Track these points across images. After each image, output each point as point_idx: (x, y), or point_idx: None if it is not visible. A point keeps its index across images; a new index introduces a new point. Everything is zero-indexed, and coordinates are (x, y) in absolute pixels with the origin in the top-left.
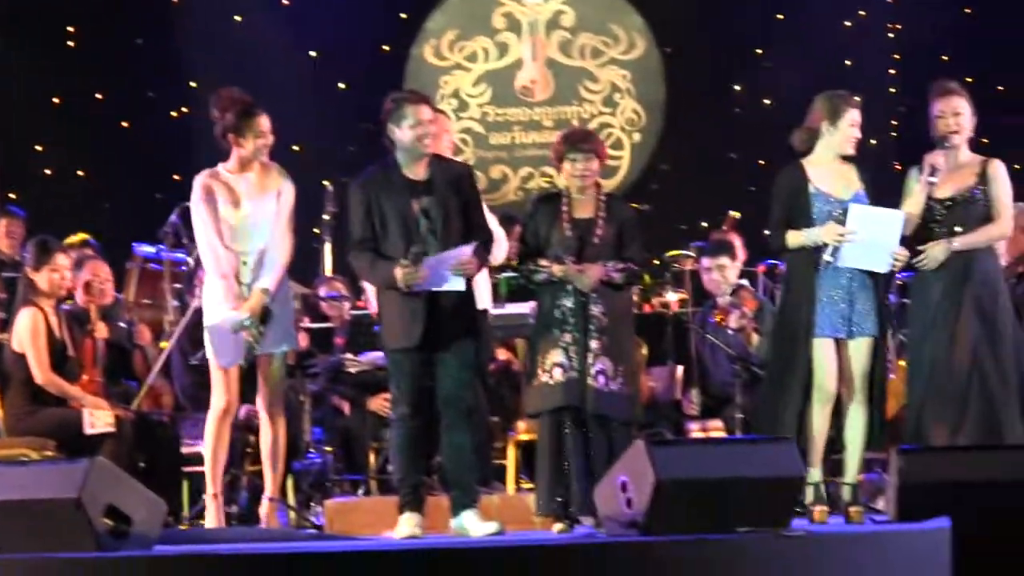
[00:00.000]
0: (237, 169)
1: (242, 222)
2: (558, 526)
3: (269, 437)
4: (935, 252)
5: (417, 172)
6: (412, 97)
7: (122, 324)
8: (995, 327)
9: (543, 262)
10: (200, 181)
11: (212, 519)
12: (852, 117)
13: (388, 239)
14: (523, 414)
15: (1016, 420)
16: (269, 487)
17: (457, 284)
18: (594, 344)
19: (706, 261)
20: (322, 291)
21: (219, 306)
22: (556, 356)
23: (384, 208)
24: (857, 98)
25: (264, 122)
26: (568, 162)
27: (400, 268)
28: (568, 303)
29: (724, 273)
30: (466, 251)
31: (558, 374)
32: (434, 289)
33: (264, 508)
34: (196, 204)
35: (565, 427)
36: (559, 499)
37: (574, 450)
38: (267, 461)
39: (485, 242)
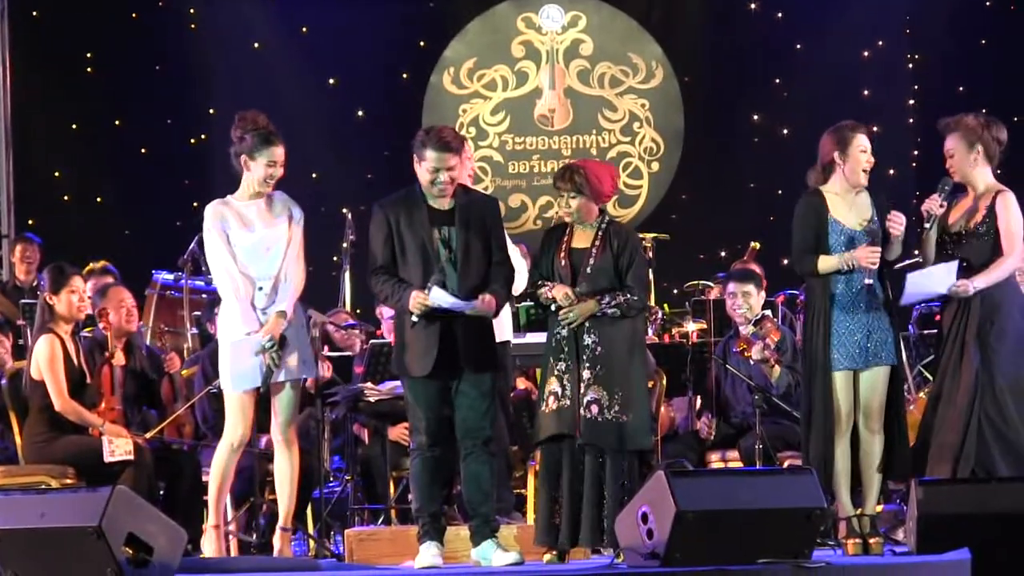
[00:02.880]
0: (247, 196)
1: (255, 248)
2: (547, 556)
3: (283, 466)
4: (958, 293)
5: (441, 202)
6: (430, 141)
7: (146, 351)
8: (995, 358)
9: (547, 285)
10: (211, 209)
11: (211, 549)
12: (861, 143)
13: (407, 266)
14: None
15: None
16: (282, 517)
17: (464, 307)
18: (586, 374)
19: (732, 287)
20: (334, 320)
21: (236, 330)
22: (552, 385)
23: (404, 234)
24: (864, 125)
25: (279, 152)
26: (557, 199)
27: (415, 292)
28: (563, 332)
29: (749, 301)
30: (473, 305)
31: (552, 403)
32: (447, 310)
33: (277, 538)
34: (208, 231)
35: (559, 456)
36: (552, 529)
37: (570, 479)
38: (281, 490)
39: (506, 277)
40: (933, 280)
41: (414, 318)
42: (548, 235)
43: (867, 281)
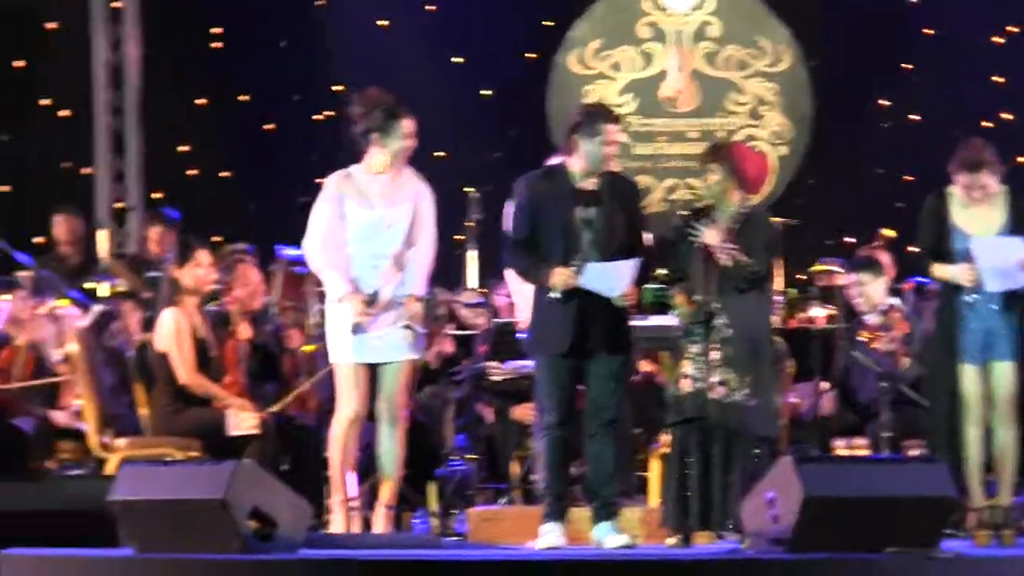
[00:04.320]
0: (372, 171)
1: (374, 225)
2: (670, 540)
3: (387, 444)
4: None
5: (586, 183)
6: (608, 115)
7: (272, 327)
8: None
9: (697, 225)
10: (332, 180)
11: (339, 525)
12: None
13: (547, 244)
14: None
15: None
16: (385, 495)
17: (611, 291)
18: (716, 355)
19: (851, 276)
20: (463, 299)
21: (338, 305)
22: (686, 367)
23: (547, 212)
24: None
25: (409, 124)
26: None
27: (558, 271)
28: (696, 315)
29: (864, 290)
30: (629, 264)
31: (686, 385)
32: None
33: (380, 516)
34: (321, 200)
35: (690, 439)
36: (681, 513)
37: (700, 462)
38: (385, 468)
39: (644, 262)
40: (1004, 249)
41: (555, 295)
42: (689, 218)
43: (966, 299)
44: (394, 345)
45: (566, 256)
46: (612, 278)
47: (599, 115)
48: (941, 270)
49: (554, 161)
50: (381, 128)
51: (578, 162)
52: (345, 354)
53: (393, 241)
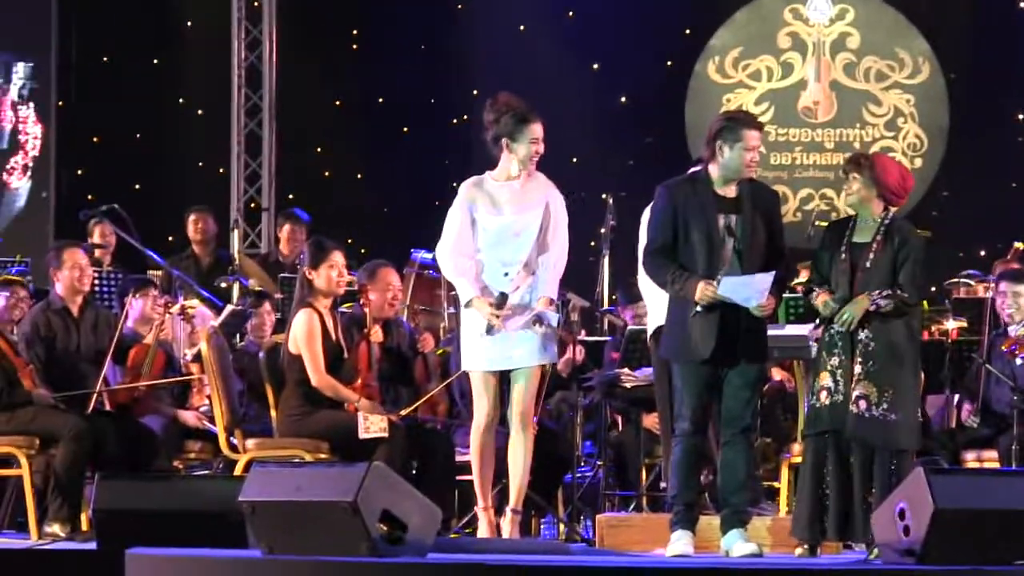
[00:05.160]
0: (503, 177)
1: (502, 232)
2: (798, 550)
3: (516, 449)
4: None
5: (727, 190)
6: (751, 122)
7: (408, 330)
8: None
9: (815, 291)
10: (464, 188)
11: (484, 531)
12: None
13: (689, 251)
14: (796, 436)
15: None
16: (512, 499)
17: (748, 302)
18: (858, 369)
19: (1004, 286)
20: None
21: (469, 312)
22: (824, 380)
23: (689, 219)
24: None
25: (538, 129)
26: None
27: (702, 287)
28: (837, 327)
29: (1020, 301)
30: (766, 277)
31: (824, 397)
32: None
33: (507, 520)
34: (454, 208)
35: (825, 450)
36: (815, 523)
37: (838, 474)
38: (513, 473)
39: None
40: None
41: (698, 308)
42: (831, 229)
43: None
44: (524, 351)
45: (709, 264)
46: (749, 290)
47: (742, 121)
48: None
49: (695, 170)
50: (510, 134)
51: (719, 169)
52: (476, 361)
53: (523, 247)
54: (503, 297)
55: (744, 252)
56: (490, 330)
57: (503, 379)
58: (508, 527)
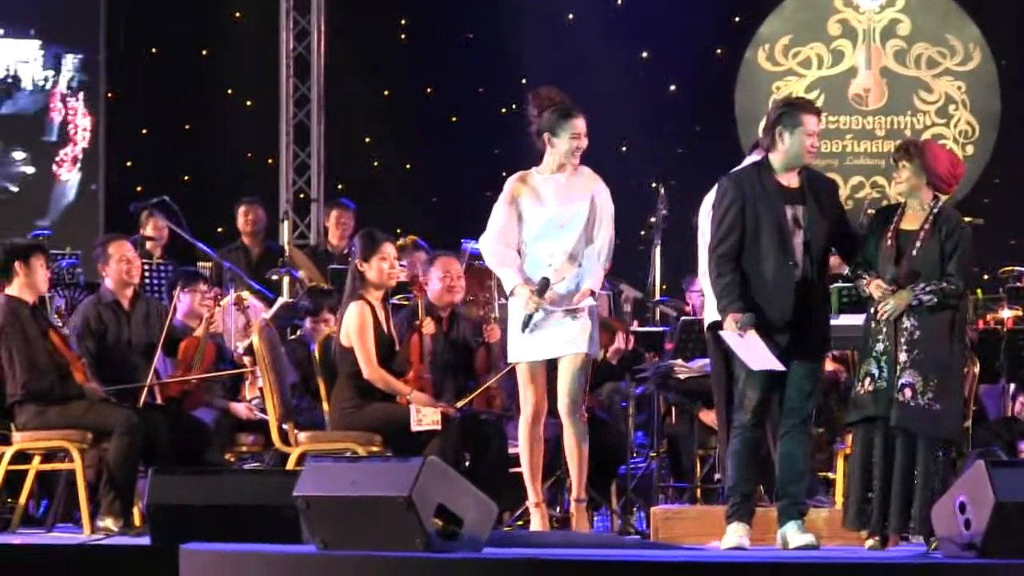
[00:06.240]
0: (548, 170)
1: (547, 224)
2: (869, 542)
3: (569, 440)
4: None
5: (790, 179)
6: (810, 106)
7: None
8: None
9: (864, 277)
10: (510, 182)
11: (536, 526)
12: None
13: (760, 245)
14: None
15: None
16: (575, 489)
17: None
18: (903, 357)
19: None
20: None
21: (514, 303)
22: (869, 366)
23: (759, 211)
24: None
25: (580, 124)
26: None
27: (736, 316)
28: (880, 316)
29: None
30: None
31: (868, 384)
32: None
33: (572, 509)
34: (499, 203)
35: (872, 439)
36: (864, 512)
37: (883, 463)
38: (570, 463)
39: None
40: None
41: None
42: (879, 214)
43: None
44: (566, 339)
45: (781, 254)
46: (759, 355)
47: (801, 107)
48: None
49: (753, 158)
50: (551, 128)
51: (780, 156)
52: (521, 352)
53: (568, 240)
54: (545, 282)
55: (811, 243)
56: (528, 323)
57: (551, 371)
58: (575, 516)
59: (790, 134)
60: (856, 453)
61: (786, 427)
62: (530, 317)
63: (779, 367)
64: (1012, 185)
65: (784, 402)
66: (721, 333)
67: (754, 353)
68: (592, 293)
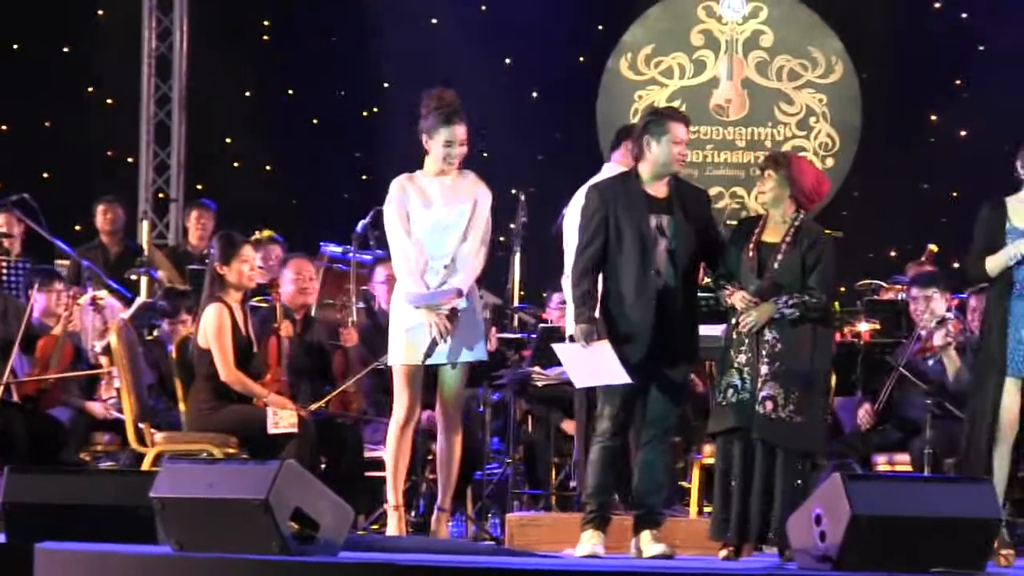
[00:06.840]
0: (432, 173)
1: (432, 226)
2: (723, 553)
3: (444, 447)
4: None
5: (657, 189)
6: (675, 115)
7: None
8: None
9: (727, 288)
10: (395, 183)
11: (393, 530)
12: None
13: (622, 253)
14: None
15: None
16: (440, 497)
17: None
18: (764, 369)
19: (915, 291)
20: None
21: (404, 305)
22: (731, 378)
23: (620, 220)
24: None
25: (457, 131)
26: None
27: (585, 327)
28: (741, 329)
29: (931, 305)
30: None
31: (731, 395)
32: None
33: (435, 519)
34: (388, 205)
35: (733, 449)
36: (727, 523)
37: (742, 473)
38: (442, 471)
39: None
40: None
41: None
42: (740, 226)
43: None
44: (452, 348)
45: (642, 263)
46: (600, 367)
47: (668, 115)
48: (993, 260)
49: (610, 167)
50: (428, 131)
51: (648, 166)
52: (401, 354)
53: (451, 242)
54: (454, 313)
55: (676, 252)
56: (430, 352)
57: (428, 376)
58: (435, 525)
59: (657, 143)
60: (719, 464)
61: (647, 437)
62: (434, 344)
63: (626, 380)
64: (871, 198)
65: (647, 412)
66: (556, 347)
67: (602, 365)
68: (460, 293)
